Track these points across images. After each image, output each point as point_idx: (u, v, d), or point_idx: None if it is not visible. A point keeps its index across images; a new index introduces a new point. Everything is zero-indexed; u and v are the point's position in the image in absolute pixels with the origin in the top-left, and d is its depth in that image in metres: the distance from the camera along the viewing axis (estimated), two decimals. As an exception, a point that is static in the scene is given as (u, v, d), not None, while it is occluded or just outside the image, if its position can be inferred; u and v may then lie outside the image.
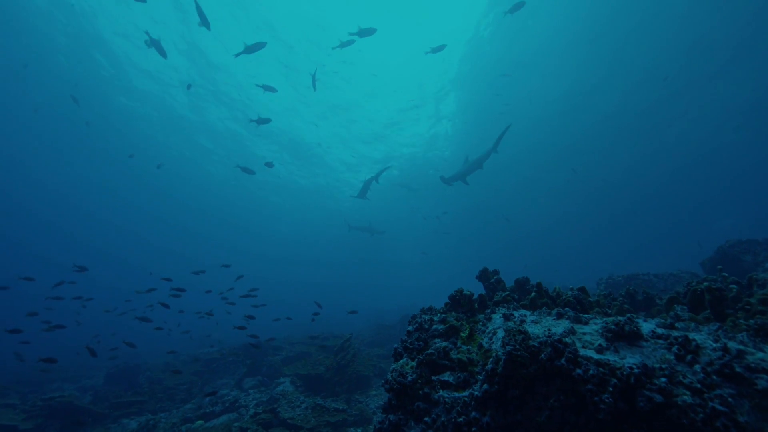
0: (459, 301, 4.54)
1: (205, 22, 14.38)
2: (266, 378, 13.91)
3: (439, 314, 4.47)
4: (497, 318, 4.11)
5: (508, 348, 2.95)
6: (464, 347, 3.85)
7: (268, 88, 17.54)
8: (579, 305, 4.61)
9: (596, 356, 2.90)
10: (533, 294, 4.71)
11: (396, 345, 4.12)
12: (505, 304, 4.46)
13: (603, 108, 28.54)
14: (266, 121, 17.17)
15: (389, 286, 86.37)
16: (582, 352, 2.93)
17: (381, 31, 25.17)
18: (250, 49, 15.58)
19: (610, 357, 2.89)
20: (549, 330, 3.33)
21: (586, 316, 3.53)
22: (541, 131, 31.18)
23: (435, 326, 4.21)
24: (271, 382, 13.44)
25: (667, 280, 12.40)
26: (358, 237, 56.98)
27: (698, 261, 14.89)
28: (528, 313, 4.10)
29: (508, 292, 4.80)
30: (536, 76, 25.85)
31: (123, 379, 15.78)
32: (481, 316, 4.38)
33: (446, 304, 4.72)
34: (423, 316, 4.46)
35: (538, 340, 3.02)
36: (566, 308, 3.78)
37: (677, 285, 12.42)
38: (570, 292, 4.77)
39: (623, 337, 3.07)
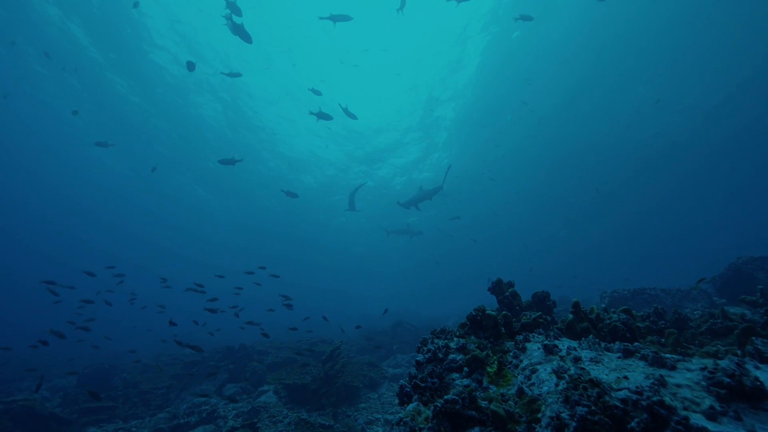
0: (480, 323, 3.49)
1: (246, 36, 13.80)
2: (249, 385, 12.73)
3: (455, 339, 3.41)
4: (534, 349, 3.06)
5: (580, 410, 1.91)
6: (494, 389, 2.80)
7: (316, 92, 17.23)
8: (629, 332, 3.59)
9: (714, 428, 1.87)
10: (570, 317, 3.67)
11: (403, 381, 3.07)
12: (541, 330, 3.42)
13: (606, 123, 27.77)
14: (327, 116, 16.54)
15: (381, 291, 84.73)
16: (691, 419, 1.90)
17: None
18: (336, 18, 15.33)
19: (733, 430, 1.86)
20: (625, 378, 2.29)
21: (668, 356, 2.50)
22: (543, 142, 30.27)
23: (452, 356, 3.15)
24: (254, 389, 12.27)
25: (675, 296, 11.48)
26: (350, 241, 55.79)
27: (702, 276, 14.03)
28: (575, 344, 3.06)
29: (539, 314, 3.76)
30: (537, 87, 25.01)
31: (97, 381, 14.46)
32: (509, 344, 3.33)
33: (462, 326, 3.66)
34: (436, 341, 3.40)
35: (620, 396, 1.99)
36: (635, 343, 2.74)
37: (686, 301, 11.53)
38: (615, 315, 3.74)
39: (743, 395, 2.04)
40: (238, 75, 16.65)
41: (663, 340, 3.86)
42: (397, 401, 11.29)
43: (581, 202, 39.35)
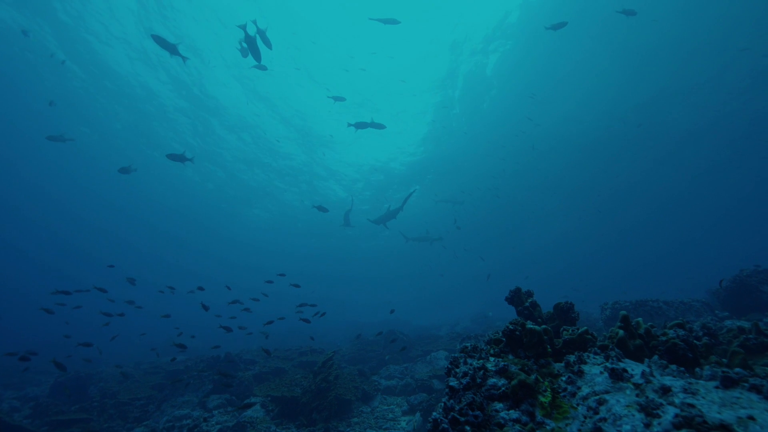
0: (520, 340, 2.86)
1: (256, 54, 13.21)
2: (235, 396, 11.86)
3: (492, 358, 2.78)
4: (596, 374, 2.45)
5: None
6: (551, 424, 2.18)
7: (338, 98, 17.28)
8: (690, 351, 3.01)
9: None
10: (621, 333, 3.07)
11: (436, 414, 2.41)
12: (595, 349, 2.80)
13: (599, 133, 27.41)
14: (364, 125, 16.48)
15: (371, 299, 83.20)
16: None
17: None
18: (384, 21, 15.96)
19: None
20: (750, 418, 1.69)
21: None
22: (542, 151, 29.69)
23: (492, 380, 2.52)
24: (240, 401, 11.41)
25: (678, 308, 11.03)
26: (333, 250, 54.70)
27: (705, 288, 13.65)
28: (644, 368, 2.45)
29: (585, 328, 3.15)
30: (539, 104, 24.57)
31: (72, 390, 13.39)
32: (557, 366, 2.72)
33: (496, 342, 3.03)
34: (470, 361, 2.76)
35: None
36: (736, 368, 2.15)
37: (688, 314, 11.11)
38: (671, 332, 3.16)
39: None
40: (263, 68, 16.01)
41: (725, 360, 3.29)
42: (391, 415, 10.47)
43: (580, 212, 38.85)
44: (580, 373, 2.51)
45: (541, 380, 2.49)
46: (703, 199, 36.13)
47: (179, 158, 13.77)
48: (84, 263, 58.95)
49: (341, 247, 53.83)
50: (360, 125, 16.43)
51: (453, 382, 2.61)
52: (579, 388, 2.41)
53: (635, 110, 24.95)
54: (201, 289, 12.49)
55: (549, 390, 2.41)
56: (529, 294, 5.03)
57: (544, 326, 3.10)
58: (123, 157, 32.54)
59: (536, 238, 47.25)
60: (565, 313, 4.84)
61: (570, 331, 3.15)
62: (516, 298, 4.91)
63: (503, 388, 2.45)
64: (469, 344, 2.95)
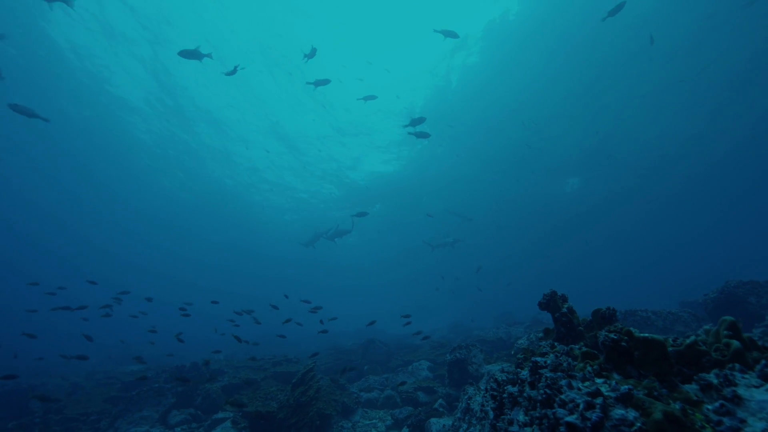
0: (627, 353, 2.09)
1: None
2: (200, 411, 10.53)
3: (597, 379, 1.98)
4: (764, 400, 1.72)
5: None
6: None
7: (369, 98, 17.17)
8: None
9: None
10: (735, 343, 2.38)
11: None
12: (737, 365, 2.07)
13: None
14: (424, 134, 16.26)
15: (343, 309, 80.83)
16: None
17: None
18: (445, 33, 15.78)
19: None
20: None
21: None
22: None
23: (617, 412, 1.74)
24: (207, 417, 10.12)
25: (666, 318, 10.76)
26: (303, 257, 52.75)
27: (678, 300, 13.53)
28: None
29: (694, 338, 2.40)
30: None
31: (10, 404, 11.60)
32: (689, 388, 1.98)
33: (588, 356, 2.25)
34: (575, 384, 1.96)
35: None
36: None
37: (677, 325, 10.84)
38: (790, 343, 2.49)
39: None
40: (327, 82, 15.43)
41: None
42: (374, 431, 9.39)
43: (563, 216, 38.48)
44: (737, 400, 1.77)
45: (691, 412, 1.73)
46: (674, 213, 36.53)
47: (27, 112, 11.25)
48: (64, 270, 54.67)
49: (311, 255, 52.04)
50: (420, 134, 16.24)
51: (571, 418, 1.79)
52: (743, 421, 1.67)
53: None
54: (185, 312, 11.29)
55: (708, 427, 1.66)
56: (564, 299, 4.33)
57: (646, 335, 2.34)
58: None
59: (517, 245, 46.42)
60: (607, 321, 4.14)
61: (672, 341, 2.42)
62: (552, 302, 4.19)
63: (638, 424, 1.67)
64: (551, 360, 2.15)
